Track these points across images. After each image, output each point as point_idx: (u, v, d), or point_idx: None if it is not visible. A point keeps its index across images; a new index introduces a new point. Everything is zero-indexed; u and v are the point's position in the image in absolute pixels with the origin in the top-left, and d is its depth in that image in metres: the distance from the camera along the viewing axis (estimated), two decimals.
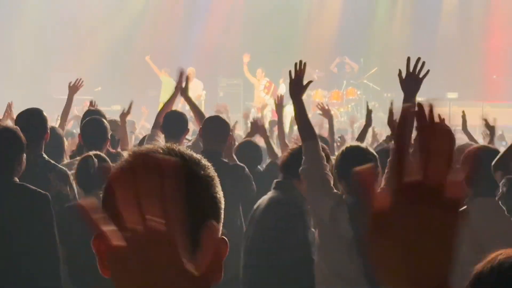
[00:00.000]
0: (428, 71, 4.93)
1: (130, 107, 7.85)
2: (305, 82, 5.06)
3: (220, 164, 5.58)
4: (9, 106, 8.90)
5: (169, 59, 21.38)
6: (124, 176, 1.47)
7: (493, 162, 4.98)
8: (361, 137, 7.38)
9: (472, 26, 21.81)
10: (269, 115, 19.61)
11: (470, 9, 21.97)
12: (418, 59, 4.95)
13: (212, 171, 1.58)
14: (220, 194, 1.59)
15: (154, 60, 20.56)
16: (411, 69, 4.94)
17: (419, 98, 18.15)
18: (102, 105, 9.54)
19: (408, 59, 4.99)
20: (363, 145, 4.90)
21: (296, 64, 5.29)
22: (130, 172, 1.41)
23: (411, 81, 4.91)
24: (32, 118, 5.75)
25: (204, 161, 1.61)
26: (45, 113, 5.99)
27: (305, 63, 5.26)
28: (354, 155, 4.53)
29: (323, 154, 4.75)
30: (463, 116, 8.50)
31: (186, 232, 1.20)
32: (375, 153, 4.72)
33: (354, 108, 20.38)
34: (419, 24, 22.21)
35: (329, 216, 4.52)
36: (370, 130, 10.70)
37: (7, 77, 20.24)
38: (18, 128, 4.72)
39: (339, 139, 8.86)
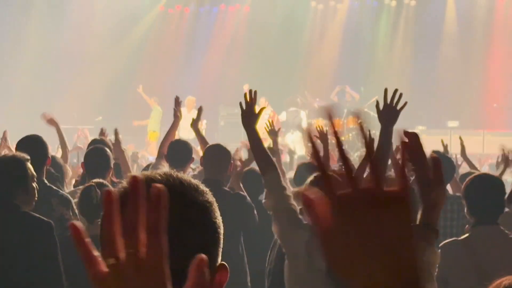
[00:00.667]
0: (405, 103, 4.74)
1: (116, 135, 7.75)
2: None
3: (222, 193, 5.59)
4: (5, 135, 8.88)
5: (169, 89, 21.44)
6: (117, 203, 1.47)
7: (507, 196, 5.02)
8: (362, 167, 7.36)
9: (473, 56, 21.89)
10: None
11: (470, 40, 22.07)
12: (396, 90, 4.75)
13: (210, 197, 1.60)
14: (219, 219, 1.60)
15: (154, 90, 20.63)
16: (388, 100, 4.74)
17: (420, 126, 18.29)
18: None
19: (385, 90, 4.77)
20: None
21: (245, 94, 4.99)
22: (122, 199, 1.42)
23: (388, 112, 4.73)
24: (33, 144, 5.76)
25: (203, 187, 1.62)
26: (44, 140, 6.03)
27: (255, 92, 4.97)
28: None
29: (285, 185, 4.57)
30: (461, 143, 8.48)
31: (176, 261, 1.19)
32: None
33: (355, 137, 20.40)
34: (419, 53, 22.31)
35: (305, 251, 4.31)
36: None
37: (7, 107, 20.27)
38: (27, 157, 4.70)
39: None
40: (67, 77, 21.51)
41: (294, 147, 17.36)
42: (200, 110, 7.68)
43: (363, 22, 23.25)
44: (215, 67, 23.13)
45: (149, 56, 23.54)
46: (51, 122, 8.25)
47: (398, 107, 4.76)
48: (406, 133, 2.64)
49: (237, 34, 23.70)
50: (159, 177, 1.57)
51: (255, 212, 5.83)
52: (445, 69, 21.88)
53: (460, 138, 8.64)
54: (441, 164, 2.78)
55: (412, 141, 2.69)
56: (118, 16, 22.46)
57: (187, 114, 19.92)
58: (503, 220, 4.93)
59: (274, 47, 22.67)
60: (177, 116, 7.60)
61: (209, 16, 24.24)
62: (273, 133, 8.15)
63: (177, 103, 7.60)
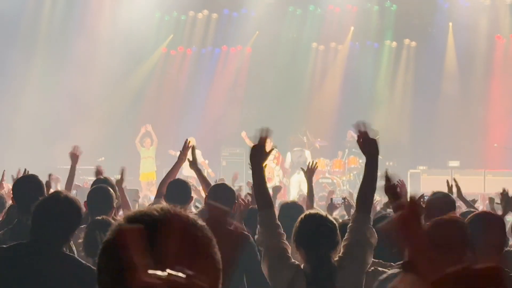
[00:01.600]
0: (376, 131, 5.00)
1: (122, 174, 7.79)
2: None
3: (225, 232, 5.56)
4: (3, 175, 8.89)
5: (172, 129, 21.51)
6: (111, 241, 1.49)
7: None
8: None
9: (473, 95, 21.97)
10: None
11: (470, 80, 22.16)
12: (360, 121, 4.78)
13: (209, 233, 1.58)
14: (218, 255, 1.58)
15: (157, 130, 20.68)
16: (356, 132, 4.75)
17: (421, 166, 18.16)
18: (106, 175, 9.54)
19: (355, 125, 4.79)
20: (323, 212, 4.72)
21: (259, 130, 4.95)
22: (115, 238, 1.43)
23: (366, 143, 4.70)
24: (29, 185, 5.78)
25: (201, 222, 1.60)
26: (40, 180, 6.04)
27: (268, 130, 4.97)
28: (312, 223, 4.40)
29: (279, 223, 4.61)
30: (456, 184, 8.41)
31: None
32: (334, 221, 4.56)
33: (356, 177, 20.37)
34: (420, 94, 22.37)
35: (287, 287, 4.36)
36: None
37: (11, 148, 20.28)
38: (78, 199, 4.66)
39: (343, 200, 8.83)
40: (69, 117, 21.55)
41: (300, 187, 17.37)
42: (193, 149, 7.66)
43: (364, 63, 23.35)
44: (217, 107, 23.19)
45: (152, 97, 23.62)
46: (73, 156, 8.17)
47: (371, 136, 4.75)
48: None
49: (239, 75, 23.81)
50: (156, 213, 1.56)
51: (259, 253, 5.79)
52: (445, 109, 21.94)
53: (454, 179, 8.58)
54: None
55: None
56: (121, 57, 22.54)
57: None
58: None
59: (275, 87, 22.74)
60: (181, 159, 7.62)
61: (211, 57, 24.36)
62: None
63: (186, 146, 7.62)
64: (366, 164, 4.77)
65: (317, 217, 4.50)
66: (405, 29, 22.70)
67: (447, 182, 8.34)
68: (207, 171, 19.83)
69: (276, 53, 23.27)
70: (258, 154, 4.81)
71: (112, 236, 1.56)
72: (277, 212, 4.97)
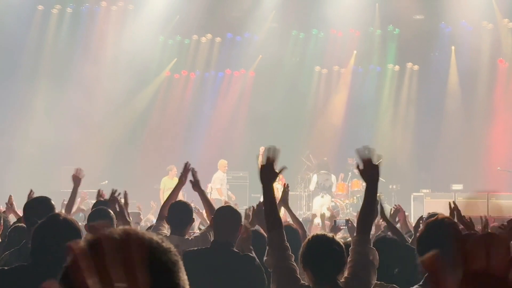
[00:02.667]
0: (380, 156, 4.72)
1: (126, 198, 7.73)
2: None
3: (231, 254, 5.53)
4: (10, 200, 8.86)
5: (174, 154, 21.49)
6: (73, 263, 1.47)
7: None
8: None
9: (476, 119, 21.98)
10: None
11: (473, 104, 22.19)
12: (365, 147, 4.68)
13: (174, 256, 1.52)
14: (183, 281, 1.52)
15: (161, 154, 20.69)
16: (359, 158, 4.64)
17: (424, 189, 18.05)
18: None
19: (357, 150, 4.68)
20: (330, 234, 4.70)
21: (268, 149, 4.92)
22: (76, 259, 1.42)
23: (368, 169, 4.61)
24: (40, 206, 5.77)
25: (166, 245, 1.55)
26: (52, 202, 6.03)
27: (277, 149, 4.92)
28: (320, 244, 4.42)
29: (288, 244, 4.61)
30: (455, 207, 8.32)
31: None
32: (341, 243, 4.54)
33: (359, 200, 20.29)
34: (423, 117, 22.41)
35: None
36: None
37: (16, 172, 20.29)
38: (76, 221, 4.65)
39: (346, 222, 8.79)
40: (74, 140, 21.55)
41: (322, 210, 17.31)
42: (193, 171, 7.65)
43: (367, 86, 23.42)
44: (221, 131, 23.21)
45: (156, 121, 23.65)
46: (76, 178, 8.16)
47: (375, 162, 4.66)
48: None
49: (242, 98, 23.84)
50: (117, 236, 1.51)
51: (264, 275, 5.74)
52: (448, 133, 21.94)
53: (452, 203, 8.52)
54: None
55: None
56: (125, 81, 22.59)
57: (220, 175, 20.04)
58: None
59: (279, 111, 22.76)
60: (181, 181, 7.60)
61: (215, 81, 24.42)
62: (286, 194, 8.19)
63: (186, 169, 7.61)
64: (367, 189, 4.77)
65: (324, 239, 4.50)
66: (408, 52, 22.75)
67: (449, 204, 8.30)
68: (227, 194, 19.85)
69: (279, 76, 23.32)
70: (267, 174, 4.77)
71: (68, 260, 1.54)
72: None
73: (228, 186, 21.56)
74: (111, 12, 23.11)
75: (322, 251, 4.40)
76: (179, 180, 7.62)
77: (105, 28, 23.09)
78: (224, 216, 6.12)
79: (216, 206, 7.24)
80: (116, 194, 7.43)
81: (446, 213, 8.05)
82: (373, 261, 4.50)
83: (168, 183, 19.73)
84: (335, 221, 8.55)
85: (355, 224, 8.11)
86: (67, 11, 23.05)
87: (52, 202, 6.11)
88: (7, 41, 21.89)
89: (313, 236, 4.62)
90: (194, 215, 7.51)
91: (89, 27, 23.07)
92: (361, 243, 4.54)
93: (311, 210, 19.16)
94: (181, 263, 1.53)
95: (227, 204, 6.63)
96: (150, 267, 1.44)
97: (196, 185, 7.55)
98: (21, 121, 21.87)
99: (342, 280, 4.40)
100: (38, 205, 5.81)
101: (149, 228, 7.67)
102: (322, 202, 19.56)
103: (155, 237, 1.55)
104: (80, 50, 22.83)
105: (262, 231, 7.54)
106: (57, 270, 4.29)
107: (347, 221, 8.64)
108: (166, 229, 6.87)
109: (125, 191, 7.75)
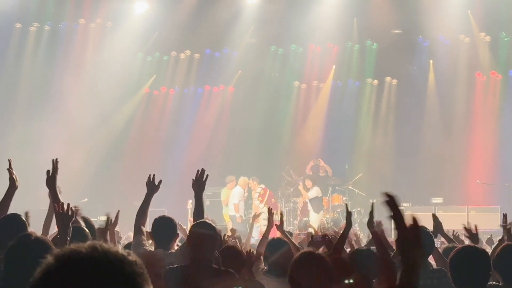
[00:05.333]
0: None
1: (117, 217, 7.72)
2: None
3: (210, 269, 5.51)
4: None
5: (154, 170, 21.37)
6: (42, 280, 1.49)
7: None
8: (342, 240, 7.26)
9: (454, 133, 22.08)
10: (263, 223, 19.56)
11: (451, 118, 22.29)
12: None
13: (139, 268, 1.56)
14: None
15: (141, 170, 20.61)
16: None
17: (405, 203, 18.05)
18: (89, 216, 9.46)
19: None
20: (318, 251, 4.74)
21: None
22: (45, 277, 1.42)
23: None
24: (11, 224, 5.70)
25: (132, 258, 1.59)
26: (23, 217, 5.97)
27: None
28: (308, 262, 4.41)
29: None
30: (435, 219, 8.41)
31: None
32: (328, 261, 4.52)
33: (340, 214, 20.33)
34: (402, 132, 22.49)
35: None
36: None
37: None
38: (48, 240, 4.62)
39: (322, 238, 8.77)
40: (48, 158, 21.40)
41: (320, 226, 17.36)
42: (153, 178, 7.65)
43: (346, 100, 23.50)
44: (200, 147, 23.16)
45: (135, 137, 23.58)
46: (50, 185, 6.88)
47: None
48: (386, 195, 2.78)
49: (221, 114, 23.84)
50: (84, 250, 1.57)
51: None
52: (427, 147, 22.03)
53: (434, 215, 8.60)
54: (419, 226, 2.86)
55: (390, 202, 2.83)
56: (104, 98, 22.49)
57: (240, 191, 20.10)
58: None
59: (258, 126, 22.78)
60: (149, 191, 7.60)
61: (194, 97, 24.41)
62: (271, 215, 8.19)
63: (149, 180, 7.62)
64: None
65: (313, 256, 4.51)
66: (386, 67, 22.83)
67: (433, 216, 8.37)
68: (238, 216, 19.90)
69: (258, 92, 23.35)
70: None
71: (37, 276, 1.60)
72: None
73: (209, 202, 21.53)
74: (90, 29, 23.03)
75: (310, 268, 4.38)
76: (147, 189, 7.59)
77: (84, 45, 23.03)
78: (198, 234, 6.08)
79: (233, 222, 7.34)
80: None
81: (426, 225, 8.09)
82: None
83: (227, 193, 20.31)
84: (312, 237, 8.54)
85: (332, 239, 8.09)
86: (45, 29, 22.96)
87: (23, 218, 6.04)
88: None
89: (301, 253, 4.65)
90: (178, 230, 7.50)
91: (67, 44, 22.98)
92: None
93: (309, 221, 19.20)
94: (146, 276, 1.56)
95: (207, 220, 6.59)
96: (114, 278, 1.48)
97: (200, 191, 7.51)
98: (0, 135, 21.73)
99: None
100: (8, 224, 5.74)
101: (129, 243, 7.63)
102: (318, 218, 19.67)
103: (121, 251, 1.58)
104: (59, 68, 22.72)
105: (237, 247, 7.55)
106: None
107: (324, 236, 8.64)
108: (148, 244, 6.85)
109: (118, 211, 7.78)
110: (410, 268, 2.74)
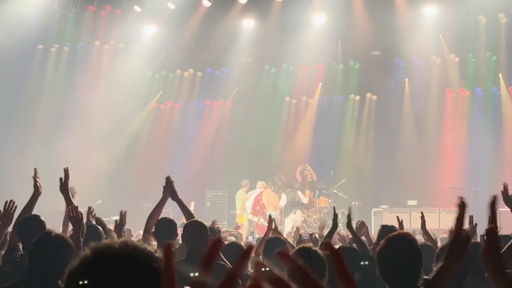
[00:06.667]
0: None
1: (124, 217, 7.68)
2: None
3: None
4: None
5: (161, 175, 21.38)
6: (80, 270, 1.51)
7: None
8: (328, 237, 7.30)
9: (427, 143, 22.12)
10: (246, 225, 19.58)
11: (424, 129, 22.31)
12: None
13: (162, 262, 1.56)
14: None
15: (149, 175, 20.63)
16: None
17: (383, 205, 18.02)
18: (103, 217, 9.50)
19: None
20: (314, 247, 4.64)
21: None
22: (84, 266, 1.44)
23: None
24: (32, 224, 5.71)
25: (158, 255, 1.61)
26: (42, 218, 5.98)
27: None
28: (307, 256, 4.33)
29: None
30: (422, 217, 8.40)
31: None
32: (323, 256, 4.47)
33: (326, 215, 20.36)
34: (381, 141, 22.50)
35: None
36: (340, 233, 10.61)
37: (10, 193, 20.07)
38: (67, 236, 4.62)
39: (309, 236, 8.77)
40: (71, 164, 21.38)
41: (294, 225, 17.33)
42: (167, 182, 7.64)
43: (331, 114, 23.52)
44: (202, 154, 23.18)
45: (144, 146, 23.60)
46: (62, 187, 6.69)
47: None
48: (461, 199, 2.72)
49: (221, 126, 23.85)
50: (117, 245, 1.60)
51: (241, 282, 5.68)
52: (404, 155, 22.04)
53: (422, 213, 8.61)
54: (468, 238, 2.71)
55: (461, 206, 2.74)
56: (117, 112, 22.56)
57: (268, 191, 20.20)
58: None
59: (254, 136, 22.80)
60: (165, 195, 7.58)
61: (197, 110, 24.42)
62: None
63: (168, 182, 7.60)
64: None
65: (308, 251, 4.49)
66: (367, 84, 22.89)
67: (397, 218, 8.38)
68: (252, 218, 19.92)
69: (253, 106, 23.38)
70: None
71: (75, 266, 1.61)
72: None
73: (209, 204, 21.55)
74: (104, 50, 23.08)
75: (308, 262, 4.34)
76: (163, 193, 7.59)
77: (99, 64, 23.07)
78: (192, 230, 6.10)
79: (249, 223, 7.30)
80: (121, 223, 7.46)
81: (403, 225, 8.11)
82: None
83: (242, 194, 20.35)
84: (300, 235, 8.54)
85: (318, 238, 8.08)
86: (64, 49, 23.01)
87: (42, 218, 6.05)
88: (12, 76, 21.80)
89: (298, 248, 4.65)
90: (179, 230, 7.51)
91: (84, 63, 23.01)
92: None
93: (284, 225, 19.14)
94: None
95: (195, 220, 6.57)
96: (143, 271, 1.53)
97: (174, 195, 7.52)
98: (25, 146, 21.72)
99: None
100: (29, 224, 5.76)
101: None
102: (295, 218, 19.58)
103: (149, 247, 1.63)
104: (77, 84, 22.76)
105: (240, 244, 7.55)
106: (52, 283, 4.25)
107: (311, 235, 8.66)
108: (153, 243, 6.85)
109: (125, 211, 7.77)
110: (443, 269, 2.64)
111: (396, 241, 4.11)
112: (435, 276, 2.59)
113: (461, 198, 2.65)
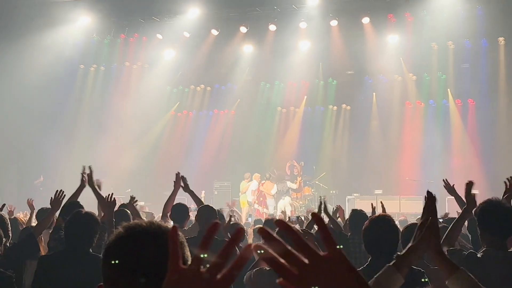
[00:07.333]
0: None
1: (132, 199, 7.45)
2: None
3: (213, 240, 5.46)
4: (31, 204, 8.55)
5: (177, 169, 21.35)
6: (115, 244, 1.50)
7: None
8: (310, 225, 7.21)
9: (391, 143, 22.09)
10: (245, 211, 19.54)
11: (389, 132, 22.28)
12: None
13: (182, 238, 1.57)
14: (188, 254, 1.59)
15: (167, 170, 20.60)
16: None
17: (355, 193, 17.89)
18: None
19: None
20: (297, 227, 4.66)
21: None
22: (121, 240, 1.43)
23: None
24: (74, 207, 5.66)
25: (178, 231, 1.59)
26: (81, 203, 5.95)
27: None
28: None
29: None
30: (382, 205, 8.32)
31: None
32: (312, 233, 4.45)
33: (310, 202, 20.35)
34: (354, 142, 22.48)
35: None
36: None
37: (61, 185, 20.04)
38: (95, 214, 4.63)
39: (296, 218, 8.72)
40: (107, 161, 21.39)
41: (285, 209, 17.36)
42: (177, 176, 7.50)
43: (314, 120, 23.48)
44: (210, 153, 23.17)
45: (165, 146, 23.60)
46: (97, 183, 6.56)
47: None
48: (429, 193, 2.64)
49: (226, 130, 23.84)
50: (144, 224, 1.61)
51: None
52: (372, 153, 22.02)
53: (381, 202, 8.53)
54: (436, 224, 2.56)
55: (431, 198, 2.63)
56: (143, 118, 22.67)
57: (268, 184, 20.10)
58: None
59: (252, 139, 22.80)
60: (175, 187, 7.51)
61: (207, 118, 24.39)
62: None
63: (177, 177, 7.54)
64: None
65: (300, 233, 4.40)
66: (342, 97, 22.88)
67: (372, 205, 8.32)
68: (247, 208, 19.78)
69: (252, 114, 23.37)
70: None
71: (110, 240, 1.61)
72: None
73: (217, 192, 21.49)
74: (132, 69, 23.13)
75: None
76: (174, 185, 7.50)
77: (128, 81, 23.11)
78: (205, 212, 6.08)
79: (249, 205, 7.25)
80: (134, 201, 7.36)
81: (369, 209, 8.06)
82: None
83: (244, 185, 20.29)
84: (289, 218, 8.50)
85: (304, 220, 7.99)
86: (101, 69, 23.02)
87: (81, 203, 6.03)
88: (59, 89, 21.82)
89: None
90: (190, 213, 7.49)
91: (117, 80, 23.06)
92: None
93: (277, 209, 19.18)
94: (186, 244, 1.60)
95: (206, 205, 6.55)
96: (166, 244, 1.48)
97: (186, 188, 7.49)
98: (72, 147, 21.69)
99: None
100: (72, 207, 5.75)
101: None
102: (284, 203, 19.58)
103: (169, 225, 1.63)
104: (111, 97, 22.80)
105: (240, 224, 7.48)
106: (85, 250, 4.24)
107: (297, 217, 8.62)
108: (170, 224, 6.82)
109: (130, 192, 7.71)
110: (413, 247, 2.55)
111: (378, 221, 4.15)
112: (405, 253, 2.60)
113: (429, 191, 2.62)
